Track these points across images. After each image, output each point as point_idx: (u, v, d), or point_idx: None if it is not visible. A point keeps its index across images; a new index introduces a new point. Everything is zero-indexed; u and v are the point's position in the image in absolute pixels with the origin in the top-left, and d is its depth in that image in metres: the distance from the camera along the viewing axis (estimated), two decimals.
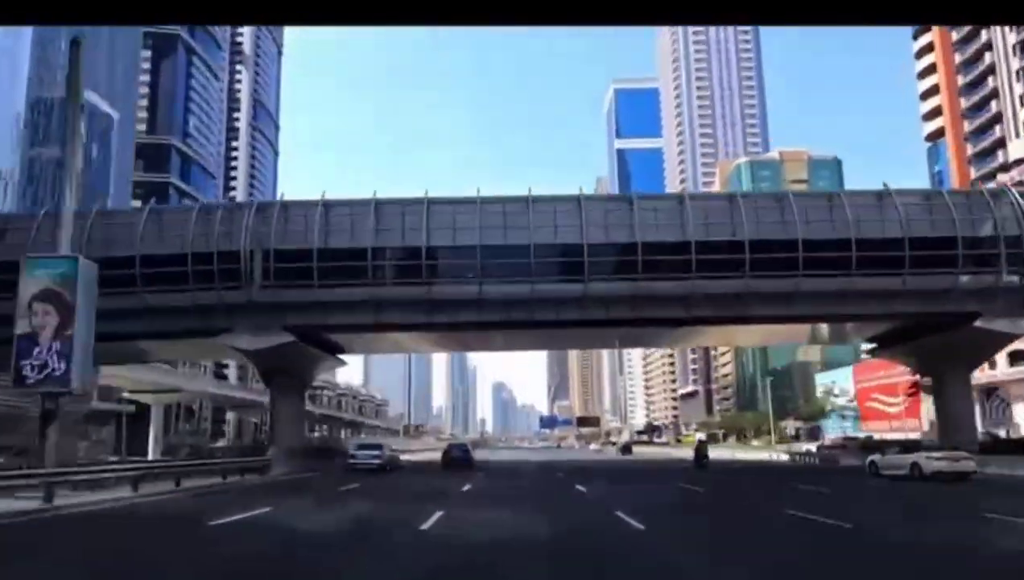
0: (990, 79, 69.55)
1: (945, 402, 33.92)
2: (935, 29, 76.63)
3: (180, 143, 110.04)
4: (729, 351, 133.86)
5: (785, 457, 47.73)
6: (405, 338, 38.22)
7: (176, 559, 9.02)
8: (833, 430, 78.76)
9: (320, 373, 44.34)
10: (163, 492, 18.67)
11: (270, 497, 17.68)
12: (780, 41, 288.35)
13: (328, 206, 30.89)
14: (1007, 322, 30.01)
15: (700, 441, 42.11)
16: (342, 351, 39.94)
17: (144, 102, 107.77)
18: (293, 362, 33.19)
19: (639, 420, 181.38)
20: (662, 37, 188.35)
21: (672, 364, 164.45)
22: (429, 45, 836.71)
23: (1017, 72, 65.83)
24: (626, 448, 77.11)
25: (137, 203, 77.62)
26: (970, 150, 72.31)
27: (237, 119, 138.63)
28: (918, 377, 47.03)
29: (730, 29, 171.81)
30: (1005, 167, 64.78)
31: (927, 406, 61.92)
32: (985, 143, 70.06)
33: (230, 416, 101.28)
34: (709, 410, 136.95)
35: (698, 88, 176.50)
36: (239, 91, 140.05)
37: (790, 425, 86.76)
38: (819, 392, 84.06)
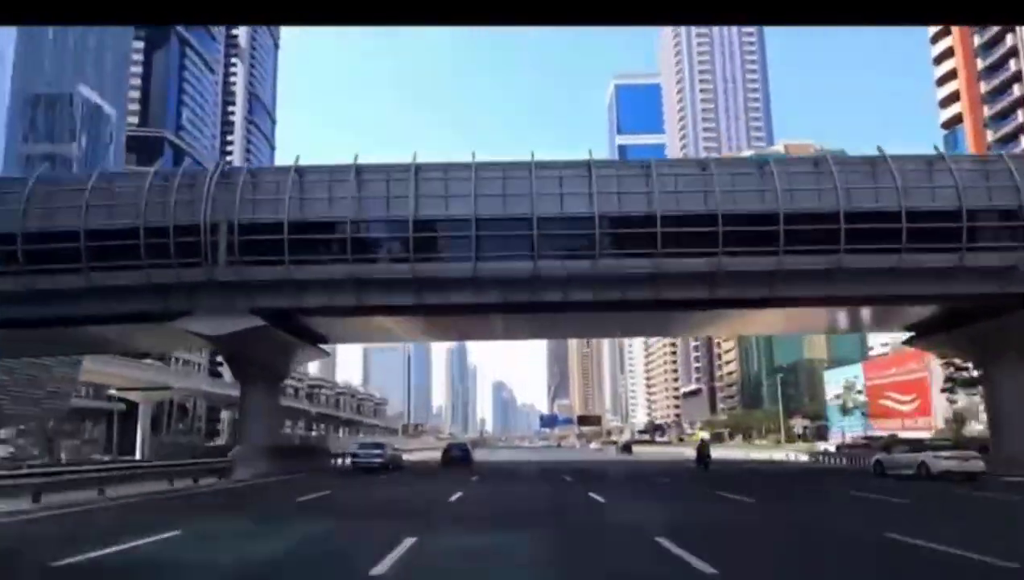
0: (1012, 61, 66.14)
1: (999, 400, 29.86)
2: None
3: (173, 136, 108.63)
4: (733, 349, 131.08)
5: (805, 457, 45.37)
6: (392, 324, 34.22)
7: None
8: (840, 429, 76.43)
9: (297, 364, 40.37)
10: (60, 506, 14.41)
11: (196, 513, 14.08)
12: (784, 31, 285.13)
13: (302, 172, 27.04)
14: None
15: (702, 441, 40.61)
16: (323, 341, 36.12)
17: (136, 94, 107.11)
18: (264, 350, 29.30)
19: (640, 419, 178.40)
20: (664, 30, 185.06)
21: (674, 362, 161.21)
22: (429, 45, 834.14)
23: None
24: (626, 447, 75.73)
25: None
26: (990, 136, 69.08)
27: (232, 113, 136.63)
28: (952, 371, 43.54)
29: None
30: None
31: (940, 403, 59.24)
32: (1007, 128, 66.75)
33: (225, 415, 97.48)
34: (713, 409, 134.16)
35: (701, 81, 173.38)
36: (234, 84, 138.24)
37: (798, 423, 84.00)
38: (840, 388, 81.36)
